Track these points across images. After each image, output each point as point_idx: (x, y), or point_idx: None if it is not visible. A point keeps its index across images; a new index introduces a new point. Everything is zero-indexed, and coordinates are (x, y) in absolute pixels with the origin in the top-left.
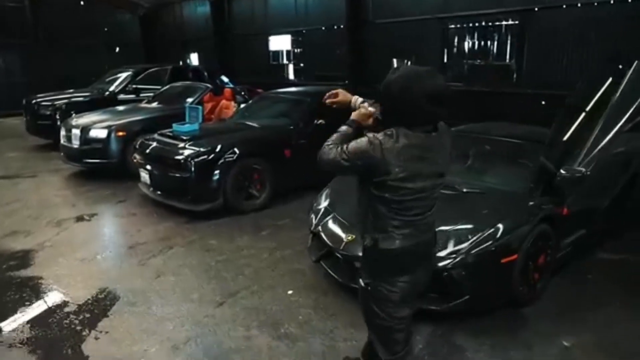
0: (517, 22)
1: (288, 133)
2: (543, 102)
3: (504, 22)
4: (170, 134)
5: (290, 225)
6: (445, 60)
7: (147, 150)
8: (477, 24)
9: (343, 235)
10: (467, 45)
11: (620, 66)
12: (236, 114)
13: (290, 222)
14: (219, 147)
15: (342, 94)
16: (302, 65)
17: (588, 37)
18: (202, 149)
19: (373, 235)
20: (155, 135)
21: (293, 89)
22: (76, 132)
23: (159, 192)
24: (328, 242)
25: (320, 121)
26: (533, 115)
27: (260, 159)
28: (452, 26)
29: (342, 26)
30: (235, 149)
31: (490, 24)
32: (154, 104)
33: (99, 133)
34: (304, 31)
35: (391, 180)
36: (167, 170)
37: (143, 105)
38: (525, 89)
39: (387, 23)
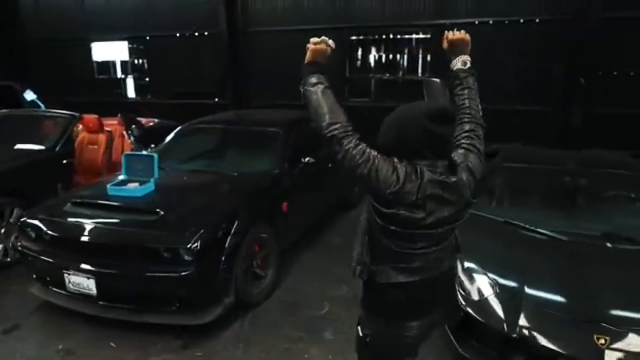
0: (428, 35)
1: (278, 180)
2: None
3: (414, 36)
4: (105, 201)
5: (341, 314)
6: (347, 74)
7: (77, 236)
8: (384, 36)
9: (590, 336)
10: (373, 58)
11: None
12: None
13: (334, 308)
14: (220, 216)
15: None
16: (147, 79)
17: (499, 54)
18: (199, 226)
19: (369, 267)
20: (69, 207)
21: (238, 114)
22: None
23: (113, 306)
24: (559, 349)
25: (307, 159)
26: None
27: (265, 223)
28: (355, 38)
29: (206, 33)
30: (241, 215)
31: (399, 36)
32: None
33: None
34: (147, 37)
35: (393, 211)
36: (135, 268)
37: None
38: None
39: (270, 32)
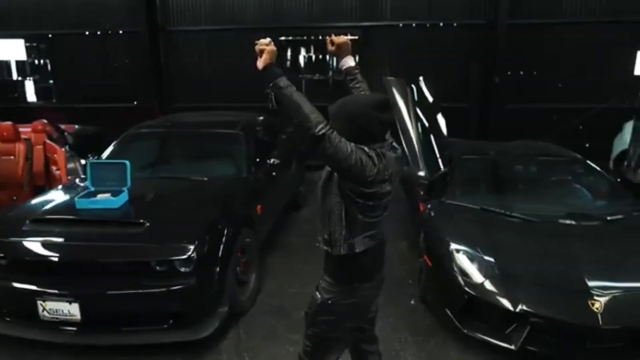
0: (357, 37)
1: (250, 183)
2: None
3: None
4: (74, 216)
5: None
6: None
7: (51, 257)
8: (313, 37)
9: (585, 303)
10: (303, 59)
11: None
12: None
13: None
14: (210, 224)
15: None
16: (51, 82)
17: (422, 55)
18: (193, 236)
19: (349, 241)
20: (30, 226)
21: (187, 117)
22: None
23: (98, 331)
24: (560, 317)
25: (273, 160)
26: None
27: (248, 228)
28: (284, 38)
29: (121, 32)
30: (228, 222)
31: (328, 37)
32: None
33: None
34: (50, 35)
35: (372, 190)
36: (126, 285)
37: None
38: None
39: (195, 31)
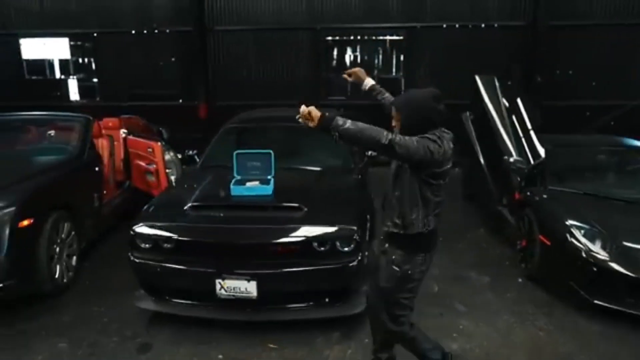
0: (401, 37)
1: (357, 174)
2: None
3: (388, 37)
4: (230, 203)
5: (450, 290)
6: (324, 73)
7: (226, 239)
8: (359, 37)
9: None
10: (348, 58)
11: None
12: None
13: (442, 286)
14: (359, 209)
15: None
16: (96, 80)
17: (463, 54)
18: (351, 219)
19: (424, 220)
20: (193, 212)
21: (272, 112)
22: None
23: (268, 308)
24: None
25: (370, 153)
26: None
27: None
28: (330, 38)
29: (167, 31)
30: (367, 207)
31: (374, 38)
32: None
33: None
34: (95, 34)
35: (443, 169)
36: (297, 264)
37: None
38: None
39: (241, 30)
